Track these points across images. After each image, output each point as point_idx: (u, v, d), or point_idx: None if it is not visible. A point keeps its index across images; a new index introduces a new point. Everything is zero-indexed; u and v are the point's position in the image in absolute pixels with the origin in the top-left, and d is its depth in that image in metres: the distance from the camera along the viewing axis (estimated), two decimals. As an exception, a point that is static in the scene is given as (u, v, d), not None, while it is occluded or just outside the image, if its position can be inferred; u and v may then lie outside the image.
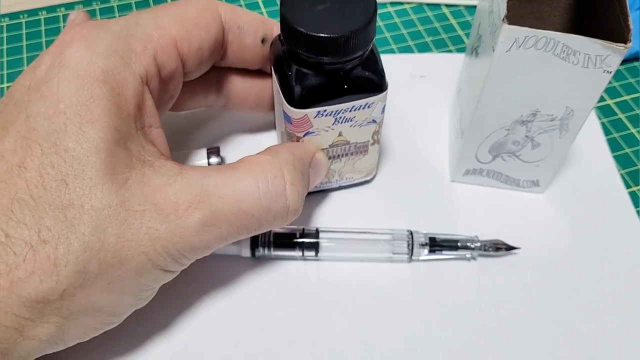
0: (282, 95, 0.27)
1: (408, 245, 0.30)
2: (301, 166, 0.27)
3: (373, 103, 0.28)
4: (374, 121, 0.29)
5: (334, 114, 0.27)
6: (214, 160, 0.33)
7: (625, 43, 0.24)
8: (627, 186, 0.34)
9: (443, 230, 0.32)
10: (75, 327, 0.22)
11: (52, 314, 0.21)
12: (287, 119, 0.28)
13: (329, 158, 0.30)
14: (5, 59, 0.40)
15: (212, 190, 0.23)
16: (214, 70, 0.30)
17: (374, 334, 0.28)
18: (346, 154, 0.30)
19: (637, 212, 0.33)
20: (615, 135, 0.37)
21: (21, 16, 0.43)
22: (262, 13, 0.44)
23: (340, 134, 0.29)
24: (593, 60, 0.25)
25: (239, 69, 0.31)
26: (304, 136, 0.28)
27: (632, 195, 0.34)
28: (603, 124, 0.37)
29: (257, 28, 0.29)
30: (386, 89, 0.28)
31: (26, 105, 0.22)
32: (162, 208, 0.22)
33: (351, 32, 0.24)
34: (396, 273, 0.30)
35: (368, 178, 0.34)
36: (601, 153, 0.35)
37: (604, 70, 0.25)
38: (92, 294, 0.22)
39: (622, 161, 0.35)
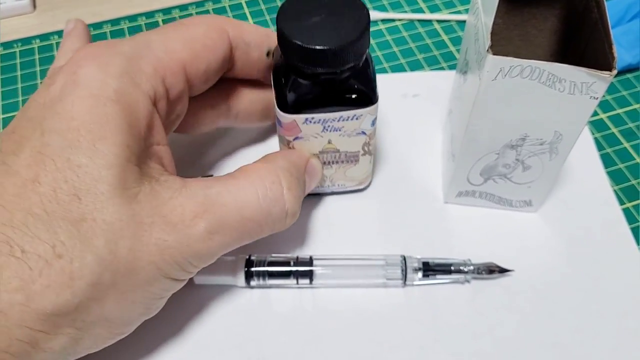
0: (274, 99, 0.28)
1: (401, 270, 0.30)
2: (297, 172, 0.28)
3: (362, 115, 0.28)
4: (363, 133, 0.29)
5: (322, 122, 0.28)
6: None
7: (610, 70, 0.24)
8: (621, 202, 0.34)
9: (437, 252, 0.32)
10: (88, 338, 0.23)
11: (67, 326, 0.22)
12: (279, 122, 0.29)
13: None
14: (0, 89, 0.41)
15: (215, 200, 0.24)
16: (222, 89, 0.32)
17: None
18: (337, 162, 0.31)
19: (632, 229, 0.33)
20: (609, 150, 0.37)
21: (15, 45, 0.44)
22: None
23: (329, 142, 0.30)
24: (579, 87, 0.25)
25: (245, 83, 0.33)
26: (293, 140, 0.29)
27: (626, 212, 0.34)
28: (596, 139, 0.37)
29: (262, 42, 0.30)
30: (376, 102, 0.28)
31: (40, 121, 0.23)
32: (170, 219, 0.23)
33: (340, 45, 0.25)
34: (390, 298, 0.31)
35: (361, 187, 0.34)
36: (594, 169, 0.35)
37: (590, 97, 0.25)
38: (105, 305, 0.23)
39: (616, 177, 0.35)
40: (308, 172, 0.30)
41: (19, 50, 0.43)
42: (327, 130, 0.29)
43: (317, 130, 0.29)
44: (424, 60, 0.42)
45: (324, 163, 0.31)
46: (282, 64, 0.28)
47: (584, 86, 0.25)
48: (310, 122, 0.28)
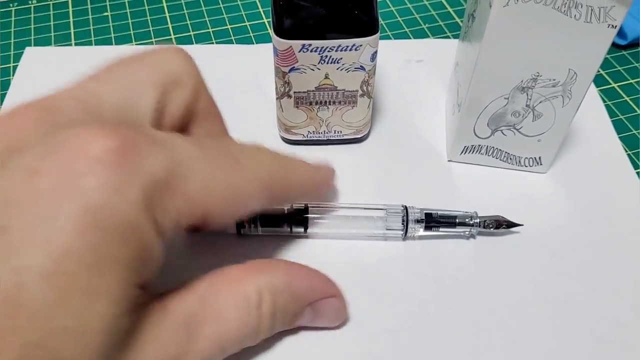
0: (272, 25, 0.27)
1: (403, 221, 0.28)
2: (293, 306, 0.23)
3: (361, 46, 0.27)
4: (362, 68, 0.28)
5: (320, 50, 0.27)
6: None
7: (629, -8, 0.23)
8: (636, 167, 0.32)
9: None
10: None
11: None
12: (275, 51, 0.28)
13: (315, 104, 0.29)
14: (12, 41, 0.40)
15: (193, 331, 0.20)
16: None
17: (367, 313, 0.26)
18: (333, 102, 0.29)
19: (647, 192, 0.31)
20: (622, 117, 0.35)
21: (11, 5, 0.43)
22: (260, 13, 0.43)
23: (326, 76, 0.28)
24: (596, 14, 0.24)
25: None
26: (289, 72, 0.28)
27: (641, 175, 0.32)
28: (608, 106, 0.36)
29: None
30: (376, 32, 0.27)
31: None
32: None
33: None
34: (390, 251, 0.28)
35: (359, 135, 0.32)
36: (606, 133, 0.34)
37: (609, 25, 0.24)
38: None
39: (629, 142, 0.34)
40: (318, 310, 0.24)
41: (15, 9, 0.42)
42: (324, 61, 0.27)
43: (314, 60, 0.27)
44: (428, 30, 0.41)
45: (320, 103, 0.30)
46: None
47: (602, 12, 0.24)
48: (307, 49, 0.27)
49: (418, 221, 0.28)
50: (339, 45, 0.27)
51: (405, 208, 0.28)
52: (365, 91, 0.30)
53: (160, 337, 0.19)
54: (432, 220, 0.28)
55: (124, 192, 0.17)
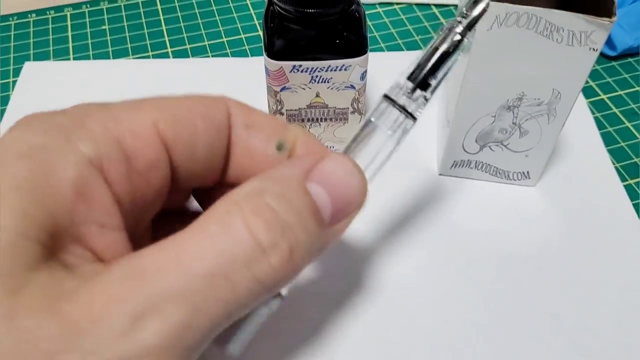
0: (263, 46, 0.28)
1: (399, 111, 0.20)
2: (293, 194, 0.17)
3: (350, 66, 0.28)
4: (352, 86, 0.29)
5: (310, 71, 0.28)
6: None
7: (609, 17, 0.23)
8: (623, 179, 0.33)
9: (431, 222, 0.31)
10: None
11: None
12: (267, 71, 0.28)
13: (307, 121, 0.30)
14: (12, 55, 0.40)
15: (146, 269, 0.16)
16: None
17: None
18: (325, 119, 0.30)
19: (633, 205, 0.32)
20: (610, 129, 0.36)
21: (10, 18, 0.43)
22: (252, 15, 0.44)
23: (317, 95, 0.29)
24: (578, 37, 0.24)
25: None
26: (280, 91, 0.29)
27: (628, 188, 0.32)
28: (596, 118, 0.36)
29: (272, 131, 0.21)
30: (365, 53, 0.28)
31: None
32: (70, 319, 0.15)
33: None
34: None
35: None
36: (594, 145, 0.34)
37: (590, 48, 0.25)
38: None
39: (617, 154, 0.34)
40: (320, 181, 0.18)
41: (14, 23, 0.43)
42: (315, 81, 0.28)
43: (304, 80, 0.28)
44: (421, 42, 0.42)
45: (312, 120, 0.30)
46: (272, 9, 0.28)
47: (583, 36, 0.24)
48: (298, 70, 0.28)
49: (409, 92, 0.20)
50: (329, 66, 0.27)
51: (386, 96, 0.21)
52: (355, 108, 0.30)
53: (83, 286, 0.16)
54: (420, 79, 0.20)
55: (34, 128, 0.17)
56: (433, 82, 0.20)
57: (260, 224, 0.16)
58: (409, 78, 0.20)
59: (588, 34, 0.24)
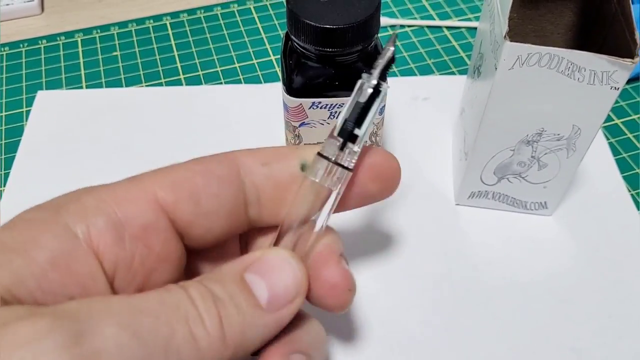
0: (281, 82, 0.28)
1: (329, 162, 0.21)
2: (228, 279, 0.18)
3: None
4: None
5: (329, 107, 0.28)
6: None
7: (632, 58, 0.23)
8: (639, 207, 0.33)
9: (448, 254, 0.31)
10: None
11: None
12: (285, 107, 0.29)
13: None
14: (4, 88, 0.40)
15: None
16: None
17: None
18: None
19: (651, 233, 0.32)
20: (625, 155, 0.36)
21: (21, 45, 0.43)
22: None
23: None
24: (599, 77, 0.24)
25: None
26: (299, 126, 0.29)
27: (645, 216, 0.33)
28: (611, 144, 0.36)
29: (288, 157, 0.22)
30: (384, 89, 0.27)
31: None
32: None
33: (349, 24, 0.25)
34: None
35: None
36: (610, 173, 0.34)
37: (611, 87, 0.25)
38: None
39: (633, 181, 0.34)
40: (257, 270, 0.19)
41: (25, 50, 0.43)
42: (334, 116, 0.28)
43: (323, 116, 0.28)
44: (433, 65, 0.42)
45: None
46: (290, 46, 0.28)
47: (605, 75, 0.24)
48: (317, 106, 0.28)
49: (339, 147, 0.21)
50: None
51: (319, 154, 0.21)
52: (374, 142, 0.30)
53: None
54: (348, 133, 0.20)
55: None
56: (360, 133, 0.21)
57: (196, 294, 0.17)
58: (339, 134, 0.21)
59: (610, 73, 0.24)
